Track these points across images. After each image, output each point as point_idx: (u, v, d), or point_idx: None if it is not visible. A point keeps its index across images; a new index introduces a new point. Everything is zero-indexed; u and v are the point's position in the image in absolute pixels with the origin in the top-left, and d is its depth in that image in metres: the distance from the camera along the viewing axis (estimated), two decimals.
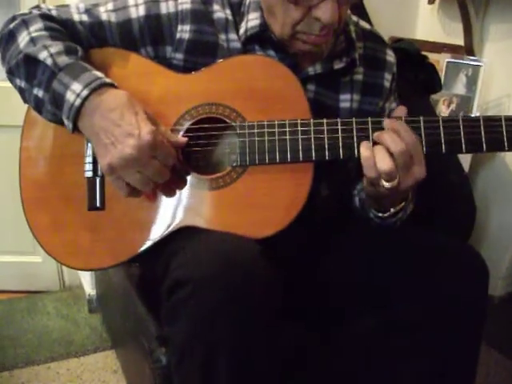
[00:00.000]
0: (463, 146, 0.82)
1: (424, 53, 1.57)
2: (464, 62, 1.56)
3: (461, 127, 0.82)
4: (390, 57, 1.02)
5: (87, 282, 1.80)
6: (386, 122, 0.81)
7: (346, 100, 0.98)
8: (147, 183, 0.77)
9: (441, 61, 1.63)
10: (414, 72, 1.37)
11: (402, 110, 0.85)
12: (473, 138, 0.82)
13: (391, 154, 0.78)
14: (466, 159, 1.47)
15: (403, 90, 1.12)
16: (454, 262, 0.82)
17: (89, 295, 1.76)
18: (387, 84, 1.01)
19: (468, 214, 1.21)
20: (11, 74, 0.87)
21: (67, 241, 0.89)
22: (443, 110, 1.54)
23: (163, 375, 0.87)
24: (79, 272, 1.84)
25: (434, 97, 1.54)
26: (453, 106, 1.54)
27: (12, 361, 1.47)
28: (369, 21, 1.49)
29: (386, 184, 0.79)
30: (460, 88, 1.55)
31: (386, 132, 0.80)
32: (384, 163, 0.78)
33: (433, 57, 1.63)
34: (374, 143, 0.81)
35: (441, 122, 0.83)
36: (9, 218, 1.67)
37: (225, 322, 0.67)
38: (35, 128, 0.93)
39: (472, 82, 1.52)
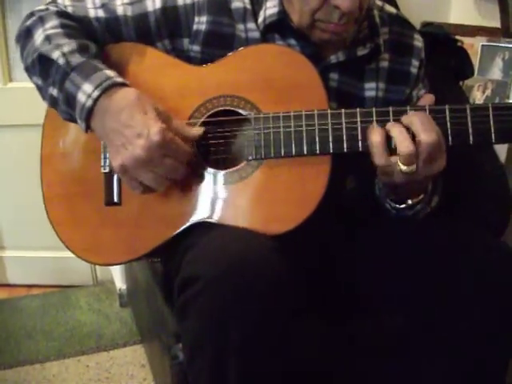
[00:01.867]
0: (492, 136, 0.77)
1: (458, 37, 1.49)
2: (500, 45, 1.47)
3: (490, 116, 0.77)
4: (418, 42, 0.98)
5: (118, 276, 1.82)
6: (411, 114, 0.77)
7: (371, 89, 0.94)
8: (161, 181, 0.78)
9: (475, 44, 1.55)
10: (443, 57, 1.30)
11: (428, 98, 0.81)
12: (503, 128, 0.76)
13: (417, 142, 0.74)
14: (502, 148, 1.39)
15: (433, 77, 1.06)
16: (480, 259, 0.78)
17: (119, 290, 1.79)
18: (415, 71, 0.96)
19: (503, 206, 1.15)
20: (29, 72, 0.88)
21: (86, 236, 0.91)
22: (478, 97, 1.46)
23: (180, 371, 0.86)
24: (110, 267, 1.86)
25: (467, 82, 1.46)
26: (488, 92, 1.45)
27: (44, 353, 1.51)
28: (396, 5, 1.43)
29: (404, 167, 0.75)
30: (496, 73, 1.46)
31: (417, 115, 0.76)
32: (404, 145, 0.74)
33: (467, 41, 1.55)
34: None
35: (468, 110, 0.77)
36: (43, 214, 1.72)
37: (233, 322, 0.65)
38: (55, 125, 0.94)
39: (509, 67, 1.43)
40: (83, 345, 1.55)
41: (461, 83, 1.45)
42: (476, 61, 1.50)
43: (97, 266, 1.94)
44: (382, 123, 0.79)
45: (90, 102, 0.77)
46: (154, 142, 0.73)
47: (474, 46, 1.56)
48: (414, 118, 0.76)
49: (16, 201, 1.83)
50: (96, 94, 0.77)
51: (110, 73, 0.80)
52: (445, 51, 1.32)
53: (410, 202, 0.85)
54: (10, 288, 1.93)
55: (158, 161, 0.75)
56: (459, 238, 0.85)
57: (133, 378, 1.41)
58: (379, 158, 0.76)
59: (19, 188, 1.80)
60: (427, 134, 0.74)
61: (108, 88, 0.77)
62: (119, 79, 0.80)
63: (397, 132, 0.75)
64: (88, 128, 0.81)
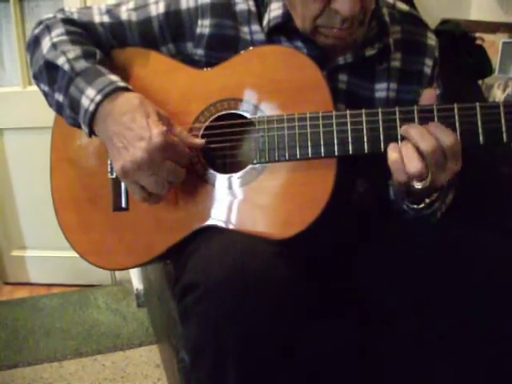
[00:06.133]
0: (504, 135, 0.74)
1: (478, 34, 1.45)
2: None
3: (501, 114, 0.74)
4: (431, 40, 0.95)
5: (135, 276, 1.84)
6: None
7: (381, 89, 0.92)
8: (162, 185, 0.77)
9: (497, 41, 1.50)
10: (461, 55, 1.27)
11: (428, 94, 0.78)
12: None
13: (420, 153, 0.73)
14: None
15: (450, 76, 1.03)
16: (494, 265, 0.75)
17: (136, 290, 1.81)
18: (428, 70, 0.94)
19: None
20: (36, 79, 0.90)
21: (94, 240, 0.91)
22: (498, 95, 1.42)
23: (187, 375, 0.86)
24: None
25: (487, 81, 1.42)
26: (509, 91, 1.41)
27: (62, 352, 1.54)
28: (412, 2, 1.40)
29: (418, 185, 0.75)
30: None
31: (414, 127, 0.75)
32: (412, 165, 0.73)
33: (488, 38, 1.50)
34: (403, 138, 0.76)
35: (478, 109, 0.75)
36: None
37: (232, 331, 0.64)
38: (64, 131, 0.95)
39: None
40: (100, 344, 1.58)
41: (480, 82, 1.41)
42: (497, 58, 1.46)
43: None
44: (389, 123, 0.77)
45: (92, 107, 0.78)
46: (156, 144, 0.73)
47: (495, 43, 1.51)
48: (410, 130, 0.74)
49: (36, 201, 1.86)
50: (99, 98, 0.78)
51: (113, 77, 0.81)
52: (462, 49, 1.28)
53: (427, 200, 0.83)
54: (30, 287, 1.98)
55: (158, 164, 0.75)
56: (474, 241, 0.82)
57: (147, 378, 1.43)
58: (400, 175, 0.75)
59: (39, 189, 1.83)
60: (425, 141, 0.72)
61: (110, 92, 0.78)
62: (122, 84, 0.80)
63: (404, 152, 0.74)
64: (91, 133, 0.82)
